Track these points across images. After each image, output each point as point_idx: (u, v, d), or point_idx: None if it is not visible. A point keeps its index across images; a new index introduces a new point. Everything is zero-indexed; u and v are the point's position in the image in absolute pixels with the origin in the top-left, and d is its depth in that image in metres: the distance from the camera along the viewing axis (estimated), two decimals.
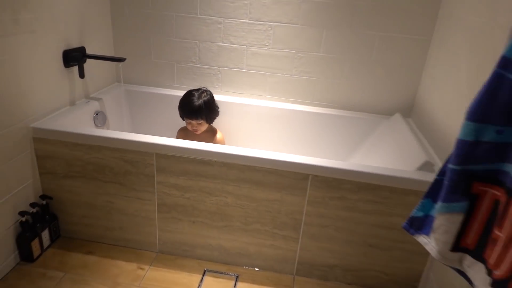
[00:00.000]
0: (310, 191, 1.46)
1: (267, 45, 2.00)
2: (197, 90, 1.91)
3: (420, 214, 0.83)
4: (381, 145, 1.84)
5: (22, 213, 1.52)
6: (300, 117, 2.04)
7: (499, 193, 0.68)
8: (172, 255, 1.69)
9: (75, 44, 1.77)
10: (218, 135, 2.00)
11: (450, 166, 0.72)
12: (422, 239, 0.83)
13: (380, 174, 1.38)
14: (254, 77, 2.07)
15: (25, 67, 1.47)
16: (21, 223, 1.54)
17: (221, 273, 1.62)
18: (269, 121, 2.08)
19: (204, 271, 1.62)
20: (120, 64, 2.08)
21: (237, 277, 1.61)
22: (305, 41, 1.95)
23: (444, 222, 0.75)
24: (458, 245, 0.75)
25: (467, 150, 0.69)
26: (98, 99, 1.92)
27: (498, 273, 0.69)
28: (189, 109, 1.83)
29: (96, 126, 1.88)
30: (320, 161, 1.43)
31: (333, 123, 2.01)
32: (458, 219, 0.73)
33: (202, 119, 1.83)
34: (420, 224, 0.83)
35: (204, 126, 1.88)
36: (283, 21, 1.93)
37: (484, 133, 0.67)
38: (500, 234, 0.68)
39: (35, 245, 1.58)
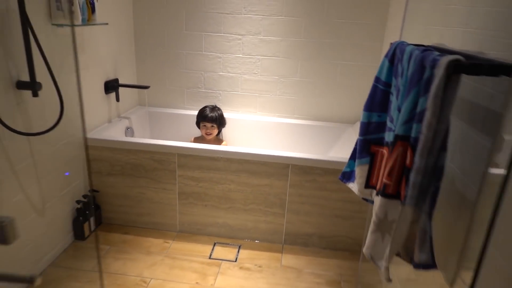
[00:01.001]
0: (291, 176, 2.02)
1: (256, 73, 2.60)
2: (212, 105, 2.50)
3: (348, 169, 1.37)
4: (346, 144, 2.41)
5: (77, 202, 2.05)
6: (284, 127, 2.61)
7: (384, 150, 1.23)
8: (189, 233, 2.21)
9: (111, 76, 2.35)
10: (223, 143, 2.56)
11: (358, 137, 1.27)
12: (350, 185, 1.37)
13: (340, 161, 1.94)
14: (247, 98, 2.66)
15: (83, 94, 2.04)
16: (77, 209, 2.06)
17: (227, 244, 2.14)
18: (259, 131, 2.64)
19: (214, 243, 2.14)
20: (145, 91, 2.66)
21: (239, 246, 2.13)
22: (285, 70, 2.56)
23: (359, 171, 1.29)
24: (368, 184, 1.29)
25: (365, 127, 1.24)
26: (127, 118, 2.49)
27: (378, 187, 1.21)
28: (207, 115, 2.42)
29: None
30: (297, 154, 1.99)
31: (309, 130, 2.59)
32: (366, 168, 1.27)
33: (215, 123, 2.41)
34: (349, 176, 1.37)
35: (215, 131, 2.45)
36: (268, 55, 2.54)
37: (372, 117, 1.23)
38: (387, 181, 1.22)
39: (86, 227, 2.10)
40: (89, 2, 1.87)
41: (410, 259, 0.99)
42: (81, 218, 2.07)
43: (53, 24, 1.74)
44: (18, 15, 1.49)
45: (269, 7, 2.43)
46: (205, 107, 2.51)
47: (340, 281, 1.90)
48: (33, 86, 1.57)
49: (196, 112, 2.55)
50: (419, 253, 0.93)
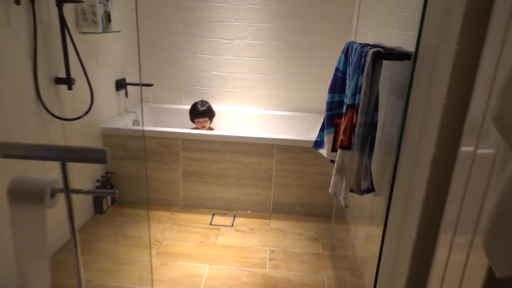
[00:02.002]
0: (276, 155, 2.45)
1: (244, 72, 3.03)
2: (200, 101, 2.90)
3: (318, 139, 1.81)
4: None
5: (97, 181, 2.43)
6: (268, 118, 3.05)
7: (342, 121, 1.67)
8: (192, 207, 2.61)
9: (120, 76, 2.74)
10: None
11: (325, 113, 1.71)
12: (321, 150, 1.80)
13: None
14: (236, 94, 3.09)
15: (99, 91, 2.42)
16: (96, 187, 2.44)
17: (224, 214, 2.55)
18: (248, 122, 3.07)
19: (213, 214, 2.55)
20: (148, 88, 3.05)
21: (234, 216, 2.55)
22: (268, 69, 3.00)
23: (327, 139, 1.73)
24: (334, 148, 1.73)
25: (329, 105, 1.68)
26: (134, 112, 2.88)
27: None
28: (198, 112, 2.81)
29: None
30: (280, 136, 2.43)
31: (289, 120, 3.03)
32: (331, 136, 1.70)
33: (207, 117, 2.81)
34: (319, 144, 1.80)
35: (208, 123, 2.86)
36: (253, 56, 2.98)
37: (335, 97, 1.67)
38: (343, 137, 1.67)
39: (104, 202, 2.48)
40: (106, 13, 2.27)
41: (359, 191, 1.44)
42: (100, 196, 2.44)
43: (79, 32, 2.13)
44: (57, 25, 1.89)
45: (254, 16, 2.88)
46: (195, 104, 2.88)
47: (318, 237, 2.34)
48: (68, 81, 1.96)
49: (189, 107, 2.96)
50: (364, 182, 1.37)
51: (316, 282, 1.94)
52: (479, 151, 0.80)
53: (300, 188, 2.52)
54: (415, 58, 1.10)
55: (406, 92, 1.14)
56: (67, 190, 1.11)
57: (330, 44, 2.88)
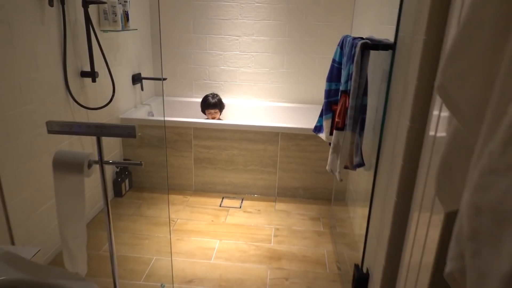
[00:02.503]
0: (281, 142, 2.65)
1: (251, 67, 3.23)
2: (211, 94, 3.11)
3: (318, 124, 1.99)
4: None
5: (116, 167, 2.65)
6: (274, 109, 3.25)
7: (338, 107, 1.85)
8: (203, 191, 2.82)
9: (136, 71, 2.96)
10: None
11: (324, 100, 1.89)
12: (320, 134, 1.99)
13: None
14: (244, 87, 3.29)
15: (117, 85, 2.64)
16: (116, 172, 2.66)
17: (233, 197, 2.76)
18: (254, 113, 3.27)
19: (223, 197, 2.76)
20: (162, 82, 3.27)
21: (242, 199, 2.75)
22: (274, 63, 3.20)
23: (325, 124, 1.91)
24: (331, 132, 1.91)
25: (327, 93, 1.86)
26: (148, 104, 3.10)
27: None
28: (209, 103, 3.03)
29: None
30: (285, 124, 2.63)
31: (293, 111, 3.22)
32: (329, 121, 1.89)
33: (217, 108, 3.02)
34: (319, 129, 1.99)
35: (218, 115, 3.06)
36: (260, 51, 3.18)
37: (332, 86, 1.85)
38: (338, 120, 1.85)
39: (123, 186, 2.70)
40: (125, 13, 2.49)
41: (352, 167, 1.63)
42: (119, 179, 2.67)
43: (101, 30, 2.35)
44: (82, 24, 2.11)
45: (260, 14, 3.07)
46: (206, 96, 3.11)
47: (319, 217, 2.53)
48: (92, 75, 2.18)
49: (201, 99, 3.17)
50: (355, 158, 1.56)
51: (316, 255, 2.14)
52: (441, 119, 0.99)
53: (303, 173, 2.71)
54: (394, 48, 1.28)
55: (388, 77, 1.33)
56: (102, 161, 1.33)
57: (331, 39, 3.06)
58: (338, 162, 1.64)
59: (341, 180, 1.66)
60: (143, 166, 1.42)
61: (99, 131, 1.26)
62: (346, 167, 1.68)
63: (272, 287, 1.86)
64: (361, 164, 1.58)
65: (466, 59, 0.70)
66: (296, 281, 1.92)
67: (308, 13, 3.03)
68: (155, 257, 2.06)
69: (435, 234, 0.98)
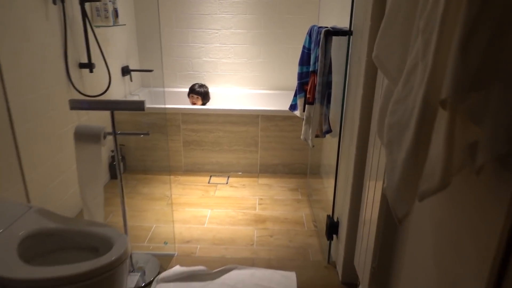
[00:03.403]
0: (261, 123, 2.96)
1: (230, 57, 3.52)
2: (200, 83, 3.39)
3: (293, 103, 2.31)
4: None
5: (111, 151, 2.89)
6: (253, 96, 3.55)
7: (308, 86, 2.17)
8: (192, 171, 3.10)
9: (125, 63, 3.20)
10: None
11: (297, 82, 2.21)
12: (295, 112, 2.31)
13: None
14: (225, 76, 3.58)
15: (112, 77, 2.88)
16: (111, 156, 2.90)
17: (220, 175, 3.06)
18: (236, 99, 3.57)
19: (210, 175, 3.05)
20: (150, 73, 3.51)
21: (228, 176, 3.05)
22: (251, 53, 3.50)
23: (299, 102, 2.23)
24: (304, 109, 2.24)
25: (299, 75, 2.18)
26: (137, 94, 3.34)
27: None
28: (194, 89, 3.31)
29: None
30: (264, 107, 2.94)
31: (270, 97, 3.54)
32: (302, 99, 2.21)
33: (200, 96, 3.30)
34: (294, 107, 2.31)
35: (199, 102, 3.34)
36: (238, 43, 3.47)
37: (303, 69, 2.17)
38: (309, 95, 2.18)
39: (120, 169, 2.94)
40: (115, 9, 2.72)
41: (322, 134, 1.96)
42: (114, 162, 2.91)
43: (94, 26, 2.58)
44: (79, 20, 2.34)
45: (237, 9, 3.36)
46: (195, 84, 3.40)
47: (298, 188, 2.87)
48: (90, 66, 2.42)
49: (187, 89, 3.44)
50: (324, 126, 1.89)
51: (296, 217, 2.47)
52: (384, 85, 1.32)
53: (282, 151, 3.03)
54: (351, 34, 1.61)
55: (346, 57, 1.66)
56: (115, 132, 1.60)
57: (302, 30, 3.39)
58: (310, 131, 1.97)
59: (313, 146, 1.99)
60: (149, 135, 1.70)
61: (114, 106, 1.53)
62: (317, 136, 2.01)
63: (259, 243, 2.18)
64: (328, 130, 1.91)
65: (390, 36, 1.02)
66: (279, 237, 2.24)
67: (281, 6, 3.34)
68: (154, 225, 2.33)
69: (379, 188, 1.32)
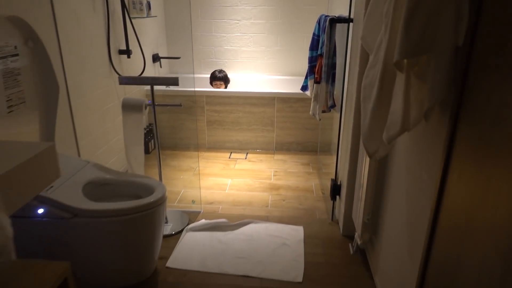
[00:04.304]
0: (277, 105, 3.27)
1: (250, 46, 3.83)
2: (218, 69, 3.72)
3: (304, 84, 2.60)
4: None
5: (144, 129, 3.27)
6: (270, 80, 3.86)
7: (316, 68, 2.46)
8: (214, 148, 3.45)
9: (155, 51, 3.56)
10: None
11: (308, 64, 2.50)
12: (306, 92, 2.60)
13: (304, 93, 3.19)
14: (245, 63, 3.90)
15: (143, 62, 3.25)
16: (145, 133, 3.28)
17: (239, 152, 3.39)
18: (255, 85, 3.88)
19: (231, 152, 3.39)
20: (177, 60, 3.87)
21: (247, 153, 3.38)
22: (269, 42, 3.80)
23: (310, 83, 2.52)
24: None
25: (310, 59, 2.46)
26: None
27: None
28: (216, 76, 3.64)
29: None
30: (279, 90, 3.24)
31: (287, 82, 3.84)
32: (312, 81, 2.50)
33: (222, 81, 3.64)
34: (305, 88, 2.60)
35: (222, 86, 3.68)
36: (257, 32, 3.77)
37: (313, 53, 2.45)
38: (317, 76, 2.46)
39: (150, 145, 3.33)
40: (148, 2, 3.08)
41: (327, 108, 2.25)
42: (146, 139, 3.29)
43: (131, 17, 2.94)
44: (119, 12, 2.70)
45: (256, 0, 3.66)
46: (214, 71, 3.72)
47: (309, 163, 3.17)
48: (127, 52, 2.78)
49: (209, 75, 3.78)
50: (329, 101, 2.19)
51: (306, 186, 2.78)
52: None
53: (296, 130, 3.34)
54: (350, 21, 1.90)
55: (346, 41, 1.95)
56: (154, 103, 1.95)
57: (315, 20, 3.66)
58: (318, 107, 2.27)
59: (320, 119, 2.29)
60: (182, 107, 2.05)
61: (153, 81, 1.88)
62: (323, 111, 2.31)
63: (273, 205, 2.51)
64: (333, 105, 2.21)
65: (372, 21, 1.32)
66: (291, 201, 2.56)
67: None
68: (183, 190, 2.70)
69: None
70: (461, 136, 0.96)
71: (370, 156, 1.20)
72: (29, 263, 1.19)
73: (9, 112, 1.51)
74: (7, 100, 1.50)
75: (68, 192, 1.59)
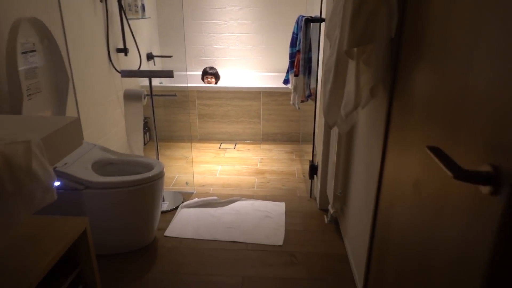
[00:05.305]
0: (262, 98, 3.56)
1: (237, 45, 4.12)
2: (209, 66, 4.00)
3: (286, 78, 2.89)
4: None
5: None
6: (257, 77, 4.15)
7: (295, 63, 2.75)
8: (205, 140, 3.73)
9: (149, 50, 3.83)
10: None
11: (289, 60, 2.79)
12: (288, 86, 2.89)
13: (287, 87, 3.49)
14: (233, 61, 4.18)
15: (138, 61, 3.51)
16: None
17: (229, 142, 3.67)
18: (242, 80, 4.17)
19: (221, 143, 3.67)
20: (169, 59, 4.14)
21: (235, 143, 3.67)
22: (255, 41, 4.09)
23: (291, 77, 2.81)
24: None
25: (290, 55, 2.75)
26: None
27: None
28: (206, 71, 3.92)
29: None
30: (265, 84, 3.54)
31: (272, 78, 4.13)
32: (293, 74, 2.79)
33: (213, 76, 3.91)
34: (287, 81, 2.89)
35: (213, 81, 3.95)
36: (244, 32, 4.06)
37: (293, 50, 2.74)
38: (295, 69, 2.76)
39: (145, 137, 3.58)
40: (142, 5, 3.34)
41: (305, 98, 2.55)
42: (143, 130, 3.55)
43: (128, 18, 3.20)
44: (116, 14, 2.97)
45: (242, 2, 3.95)
46: (206, 67, 4.00)
47: (293, 151, 3.47)
48: (125, 50, 3.05)
49: (200, 73, 4.05)
50: (306, 92, 2.49)
51: (289, 170, 3.07)
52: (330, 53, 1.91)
53: (280, 122, 3.63)
54: (322, 21, 2.20)
55: (318, 38, 2.25)
56: (151, 94, 2.22)
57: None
58: (297, 97, 2.57)
59: (299, 108, 2.59)
60: (176, 96, 2.32)
61: (151, 74, 2.15)
62: (302, 101, 2.60)
63: (258, 186, 2.79)
64: (309, 95, 2.50)
65: (333, 20, 1.61)
66: (274, 183, 2.85)
67: (278, 0, 3.92)
68: (177, 175, 2.97)
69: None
70: (395, 107, 1.26)
71: (330, 127, 1.49)
72: (54, 218, 1.48)
73: (29, 100, 1.77)
74: (27, 89, 1.76)
75: (80, 168, 1.86)
